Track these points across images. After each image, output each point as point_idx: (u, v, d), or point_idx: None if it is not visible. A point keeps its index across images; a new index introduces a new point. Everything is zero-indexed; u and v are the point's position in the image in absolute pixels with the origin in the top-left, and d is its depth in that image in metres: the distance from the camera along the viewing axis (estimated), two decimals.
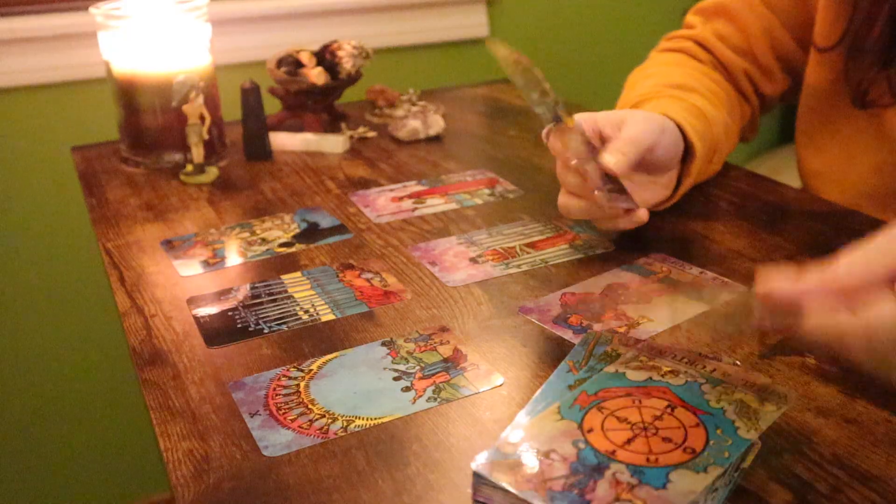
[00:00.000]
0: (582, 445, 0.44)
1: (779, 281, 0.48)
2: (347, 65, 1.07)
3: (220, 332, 0.64)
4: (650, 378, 0.49)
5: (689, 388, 0.48)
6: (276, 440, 0.51)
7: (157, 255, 0.78)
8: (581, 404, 0.47)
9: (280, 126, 1.10)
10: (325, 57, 1.08)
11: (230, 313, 0.66)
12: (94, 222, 0.87)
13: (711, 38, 0.92)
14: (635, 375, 0.49)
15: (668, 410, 0.46)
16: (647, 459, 0.42)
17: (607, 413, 0.46)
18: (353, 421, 0.52)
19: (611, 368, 0.50)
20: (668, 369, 0.50)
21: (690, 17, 0.97)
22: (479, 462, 0.43)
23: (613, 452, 0.43)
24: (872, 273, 0.46)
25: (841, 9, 0.80)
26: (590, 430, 0.45)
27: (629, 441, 0.44)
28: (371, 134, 1.11)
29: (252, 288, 0.71)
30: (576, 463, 0.42)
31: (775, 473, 0.46)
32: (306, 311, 0.66)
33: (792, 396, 0.47)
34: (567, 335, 0.61)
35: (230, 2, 1.59)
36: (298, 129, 1.09)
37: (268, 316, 0.66)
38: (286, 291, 0.70)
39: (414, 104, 1.13)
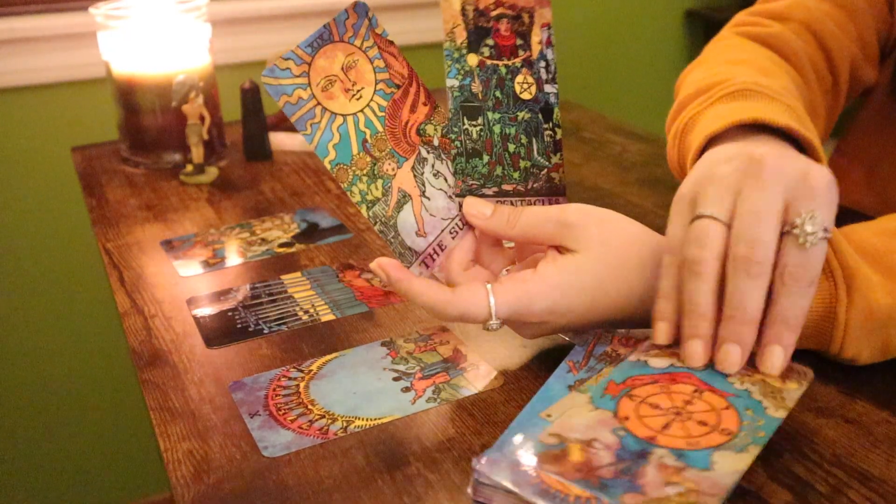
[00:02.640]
0: (622, 433, 0.44)
1: (479, 209, 0.55)
2: None
3: (220, 332, 0.64)
4: (672, 364, 0.49)
5: (711, 373, 0.48)
6: (275, 441, 0.51)
7: (156, 255, 0.78)
8: (612, 393, 0.47)
9: (280, 126, 1.10)
10: None
11: (230, 314, 0.66)
12: (94, 222, 0.87)
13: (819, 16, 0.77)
14: (657, 363, 0.49)
15: (697, 395, 0.46)
16: (688, 443, 0.43)
17: (639, 400, 0.46)
18: (353, 421, 0.52)
19: (632, 357, 0.50)
20: None
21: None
22: (480, 462, 0.43)
23: (653, 438, 0.43)
24: (536, 236, 0.54)
25: None
26: (626, 418, 0.45)
27: (666, 426, 0.44)
28: None
29: (252, 288, 0.71)
30: (620, 450, 0.43)
31: (775, 473, 0.46)
32: (306, 312, 0.66)
33: (810, 374, 0.48)
34: (567, 335, 0.61)
35: (230, 2, 1.59)
36: None
37: (267, 316, 0.66)
38: (286, 292, 0.70)
39: None
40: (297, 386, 0.56)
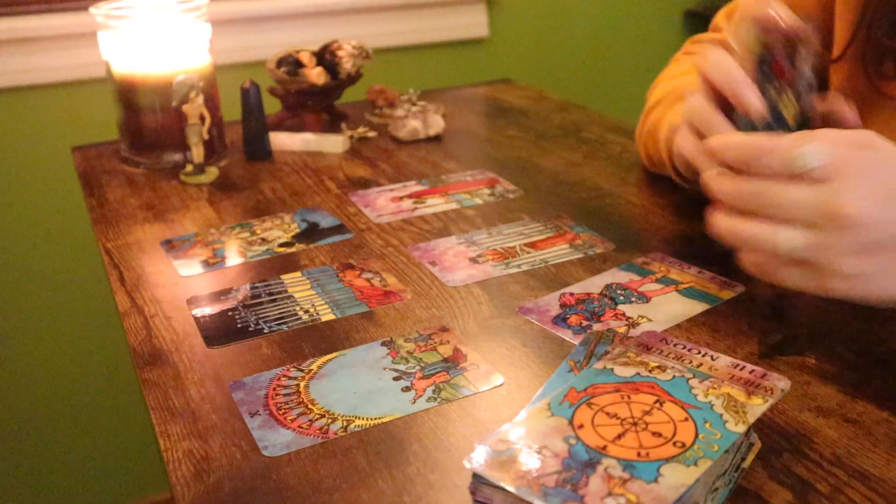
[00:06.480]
0: (573, 441, 0.44)
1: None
2: (347, 65, 1.07)
3: (220, 332, 0.64)
4: (638, 374, 0.49)
5: (676, 384, 0.48)
6: (275, 440, 0.51)
7: (157, 255, 0.78)
8: (571, 400, 0.47)
9: (280, 126, 1.10)
10: (325, 57, 1.08)
11: (230, 313, 0.66)
12: (94, 222, 0.87)
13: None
14: (623, 371, 0.50)
15: (657, 405, 0.46)
16: (638, 454, 0.43)
17: (597, 409, 0.46)
18: (353, 421, 0.52)
19: (599, 365, 0.51)
20: (655, 365, 0.50)
21: (718, 20, 0.94)
22: (477, 462, 0.43)
23: (604, 448, 0.43)
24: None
25: (850, 17, 0.79)
26: (580, 426, 0.45)
27: (620, 436, 0.44)
28: (371, 134, 1.11)
29: (252, 288, 0.71)
30: (568, 459, 0.42)
31: (775, 473, 0.46)
32: (306, 311, 0.66)
33: (779, 387, 0.47)
34: (566, 335, 0.61)
35: (230, 2, 1.59)
36: (298, 129, 1.09)
37: (268, 316, 0.66)
38: (286, 291, 0.70)
39: (414, 104, 1.13)
40: (298, 385, 0.56)
